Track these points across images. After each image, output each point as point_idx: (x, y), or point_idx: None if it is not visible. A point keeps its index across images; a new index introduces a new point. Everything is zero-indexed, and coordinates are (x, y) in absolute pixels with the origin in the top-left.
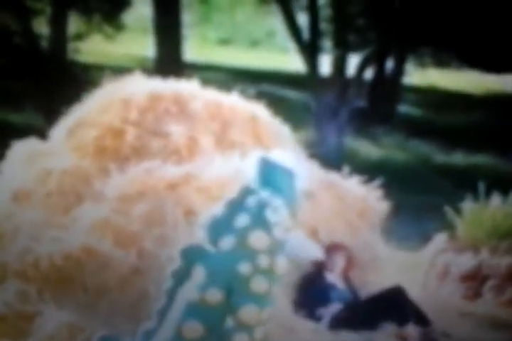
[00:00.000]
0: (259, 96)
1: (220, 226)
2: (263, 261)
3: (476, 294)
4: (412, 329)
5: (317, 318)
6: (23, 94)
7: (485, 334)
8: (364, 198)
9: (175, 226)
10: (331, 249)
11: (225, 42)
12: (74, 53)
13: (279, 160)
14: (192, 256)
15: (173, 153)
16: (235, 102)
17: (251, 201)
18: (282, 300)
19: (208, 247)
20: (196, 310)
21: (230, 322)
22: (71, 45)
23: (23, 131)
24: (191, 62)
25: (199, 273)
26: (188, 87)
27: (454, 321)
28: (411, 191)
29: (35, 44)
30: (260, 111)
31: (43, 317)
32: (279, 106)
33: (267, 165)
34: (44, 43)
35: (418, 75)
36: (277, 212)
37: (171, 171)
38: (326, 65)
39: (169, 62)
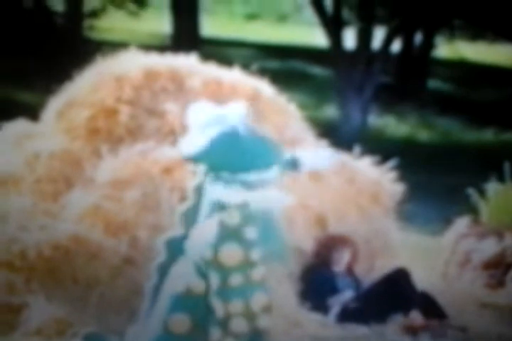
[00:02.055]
0: (285, 72)
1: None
2: None
3: (499, 283)
4: (415, 316)
5: (325, 309)
6: (35, 72)
7: (507, 327)
8: (377, 181)
9: (170, 214)
10: (337, 242)
11: (252, 17)
12: (90, 31)
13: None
14: (175, 247)
15: (169, 134)
16: (236, 79)
17: None
18: (286, 292)
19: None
20: (182, 302)
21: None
22: (87, 22)
23: (33, 111)
24: (218, 38)
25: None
26: (186, 63)
27: (473, 313)
28: (435, 171)
29: (50, 21)
30: (263, 88)
31: (30, 309)
32: (305, 82)
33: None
34: (60, 20)
35: (448, 48)
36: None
37: (167, 153)
38: (350, 38)
39: (186, 38)
